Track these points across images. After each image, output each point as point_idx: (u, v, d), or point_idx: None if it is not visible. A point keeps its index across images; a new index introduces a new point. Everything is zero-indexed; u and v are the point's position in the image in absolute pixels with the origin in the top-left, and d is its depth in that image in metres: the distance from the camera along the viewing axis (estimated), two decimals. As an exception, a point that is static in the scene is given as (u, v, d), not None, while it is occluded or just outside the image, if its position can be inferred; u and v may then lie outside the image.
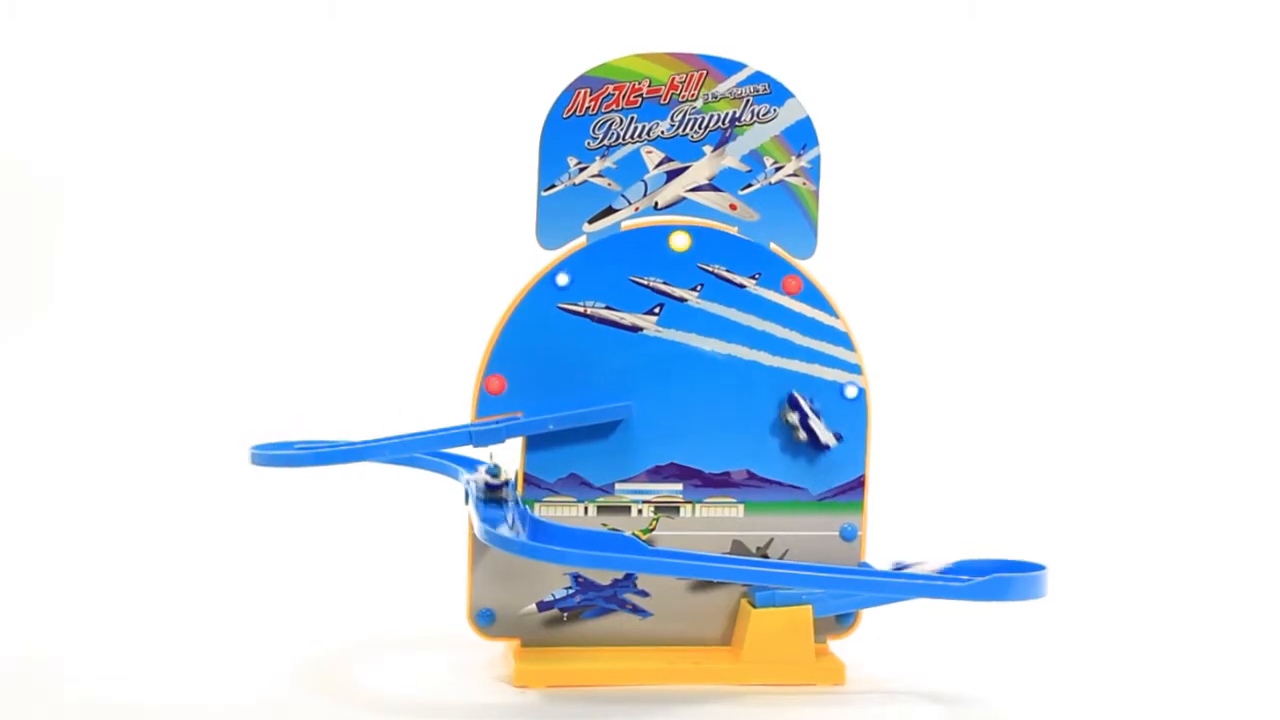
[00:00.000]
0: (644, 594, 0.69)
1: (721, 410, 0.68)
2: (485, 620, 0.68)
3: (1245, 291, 0.99)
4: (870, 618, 0.69)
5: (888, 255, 1.21)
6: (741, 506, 0.68)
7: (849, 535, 0.69)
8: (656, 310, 0.67)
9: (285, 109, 1.23)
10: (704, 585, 0.69)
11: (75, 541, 0.91)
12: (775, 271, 0.68)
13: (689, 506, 0.68)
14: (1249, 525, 0.68)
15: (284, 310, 1.20)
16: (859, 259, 0.99)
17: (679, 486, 0.68)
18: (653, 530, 0.68)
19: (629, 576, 0.68)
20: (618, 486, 0.68)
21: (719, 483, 0.68)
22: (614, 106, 0.65)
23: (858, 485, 0.69)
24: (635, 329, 0.67)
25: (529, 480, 0.67)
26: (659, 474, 0.68)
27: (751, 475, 0.68)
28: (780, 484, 0.68)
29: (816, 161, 0.67)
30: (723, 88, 0.66)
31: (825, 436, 0.67)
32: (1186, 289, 1.02)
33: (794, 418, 0.67)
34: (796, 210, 0.67)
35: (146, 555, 0.88)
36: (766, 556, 0.69)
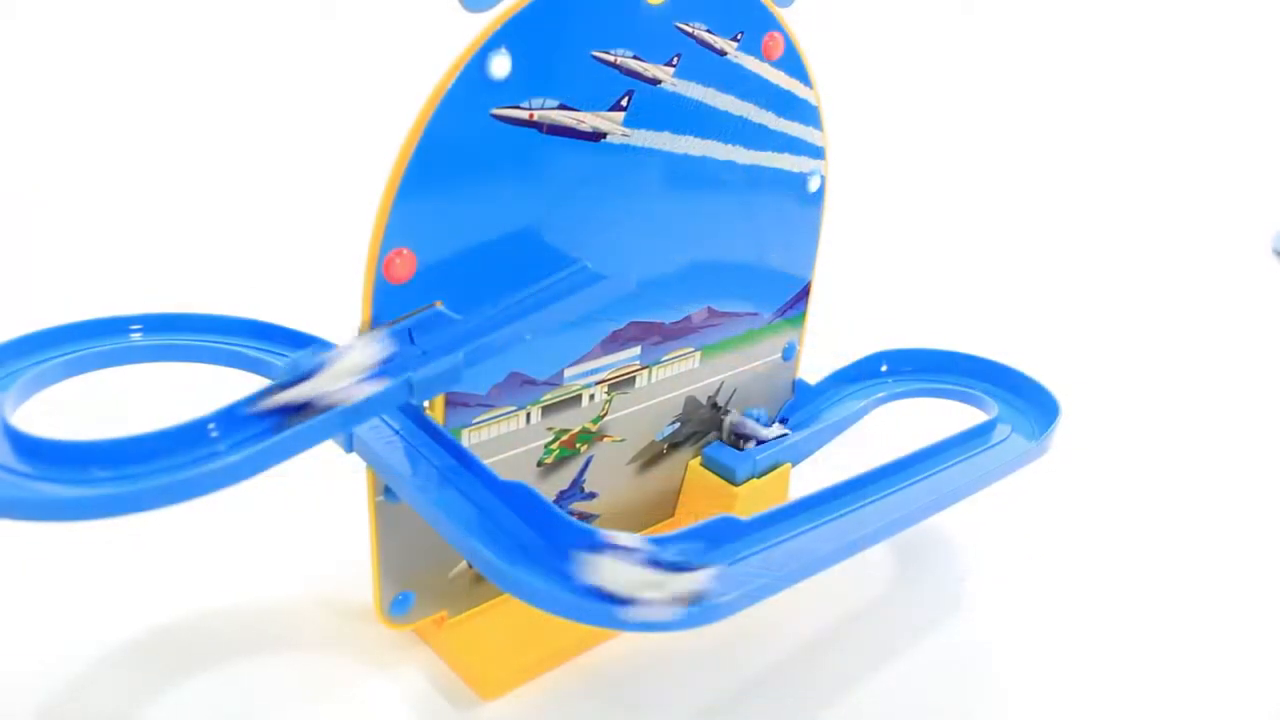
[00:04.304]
0: (591, 496, 0.50)
1: (690, 235, 0.48)
2: (402, 607, 0.44)
3: (1244, 305, 0.93)
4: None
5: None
6: (699, 354, 0.51)
7: (789, 355, 0.56)
8: (624, 103, 0.42)
9: (291, 115, 1.11)
10: (651, 463, 0.52)
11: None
12: (758, 29, 0.46)
13: (645, 373, 0.49)
14: (1250, 533, 0.63)
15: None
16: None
17: (636, 351, 0.48)
18: (604, 417, 0.48)
19: (575, 484, 0.49)
20: (567, 373, 0.46)
21: (679, 332, 0.50)
22: None
23: (803, 296, 0.55)
24: (598, 136, 0.42)
25: (453, 402, 0.42)
26: (616, 341, 0.47)
27: (712, 313, 0.51)
28: (738, 315, 0.52)
29: None
30: None
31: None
32: (1180, 299, 0.93)
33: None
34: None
35: None
36: (717, 405, 0.54)
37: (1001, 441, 0.50)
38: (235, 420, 0.35)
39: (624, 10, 0.41)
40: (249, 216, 0.96)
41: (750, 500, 0.52)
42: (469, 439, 0.43)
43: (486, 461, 0.39)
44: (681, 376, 0.51)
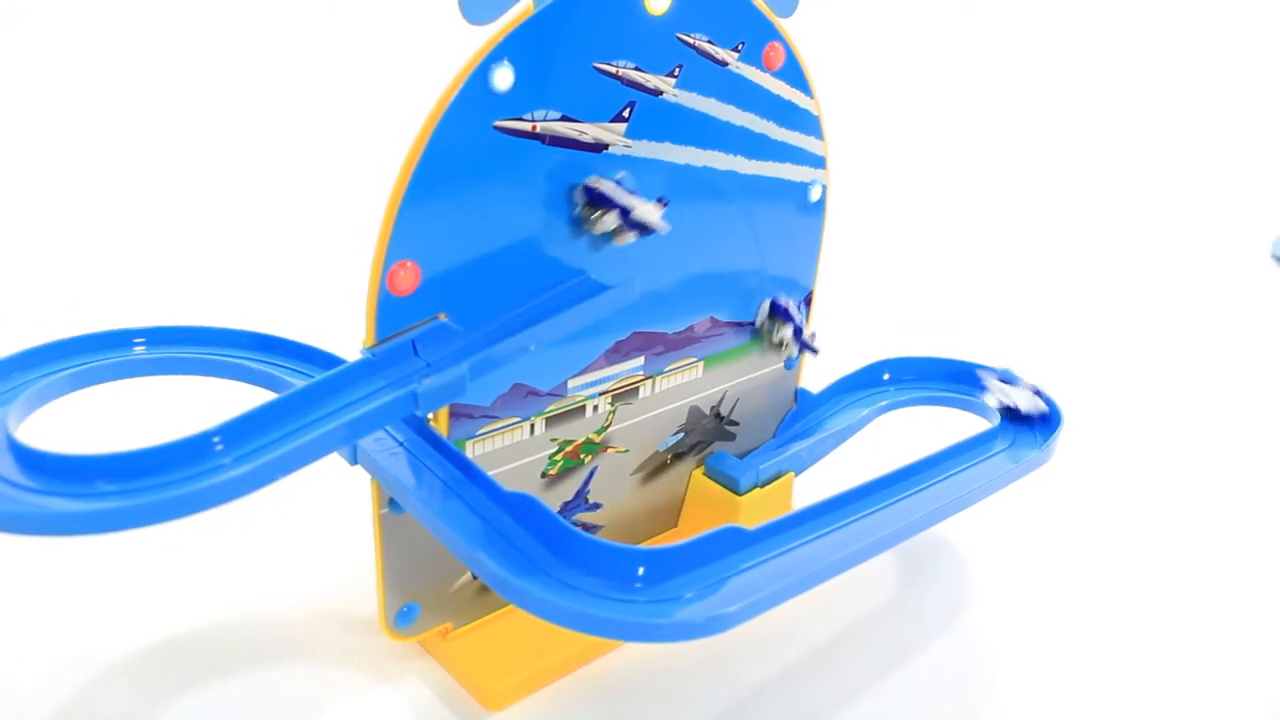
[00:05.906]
0: (595, 507, 0.50)
1: (692, 246, 0.48)
2: (407, 619, 0.44)
3: (1244, 310, 0.92)
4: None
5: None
6: (701, 364, 0.51)
7: (791, 364, 0.56)
8: (626, 114, 0.43)
9: (295, 128, 1.11)
10: (655, 473, 0.52)
11: None
12: (758, 39, 0.46)
13: (648, 383, 0.49)
14: (1251, 538, 0.60)
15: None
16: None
17: (640, 362, 0.48)
18: (608, 428, 0.48)
19: (579, 494, 0.49)
20: (570, 384, 0.46)
21: (682, 343, 0.50)
22: None
23: (804, 304, 0.55)
24: (600, 147, 0.42)
25: (457, 414, 0.42)
26: (619, 352, 0.47)
27: (715, 323, 0.51)
28: (739, 324, 0.52)
29: None
30: None
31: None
32: (1181, 306, 0.93)
33: (787, 332, 0.53)
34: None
35: None
36: (720, 415, 0.54)
37: (1004, 449, 0.50)
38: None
39: (625, 22, 0.41)
40: (254, 229, 0.96)
41: (754, 510, 0.52)
42: (473, 450, 0.43)
43: (491, 473, 0.39)
44: (685, 386, 0.51)
